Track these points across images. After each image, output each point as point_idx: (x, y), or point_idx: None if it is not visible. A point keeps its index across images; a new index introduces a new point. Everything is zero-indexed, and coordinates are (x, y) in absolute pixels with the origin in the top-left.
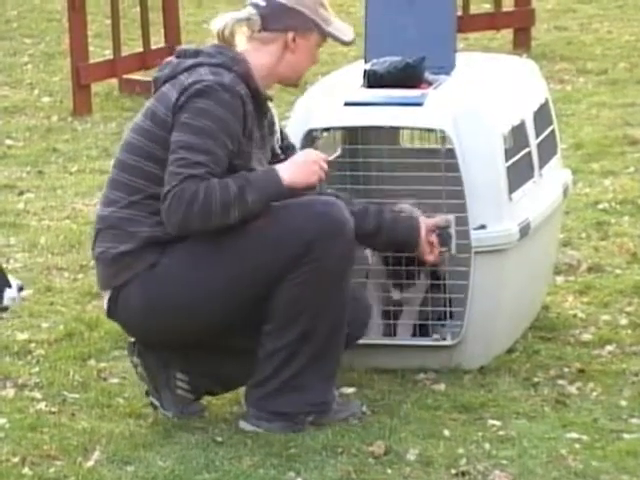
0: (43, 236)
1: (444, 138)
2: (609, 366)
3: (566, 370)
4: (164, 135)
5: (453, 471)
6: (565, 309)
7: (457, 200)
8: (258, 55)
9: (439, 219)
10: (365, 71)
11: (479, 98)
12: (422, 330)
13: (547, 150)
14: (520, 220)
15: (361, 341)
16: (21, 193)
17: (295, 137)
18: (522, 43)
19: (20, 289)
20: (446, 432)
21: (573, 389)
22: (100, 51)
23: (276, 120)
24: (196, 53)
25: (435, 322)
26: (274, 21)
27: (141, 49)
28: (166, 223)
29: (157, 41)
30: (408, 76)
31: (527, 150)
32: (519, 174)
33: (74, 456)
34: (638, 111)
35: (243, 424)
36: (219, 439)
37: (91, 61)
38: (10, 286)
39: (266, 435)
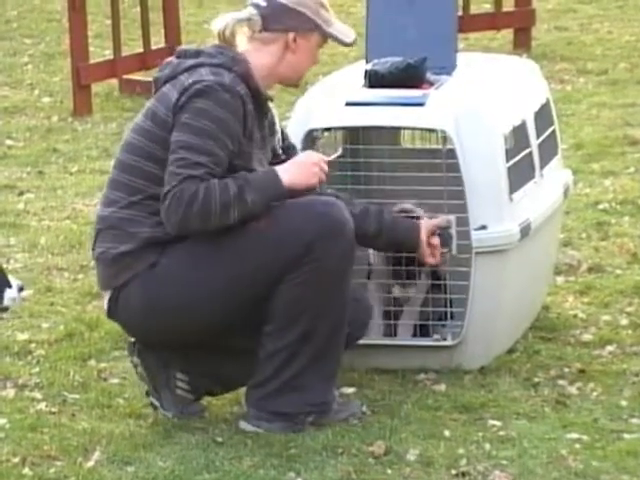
0: (43, 236)
1: (445, 138)
2: (609, 366)
3: (566, 370)
4: (164, 135)
5: (453, 471)
6: (565, 309)
7: (458, 200)
8: (259, 55)
9: (440, 220)
10: (366, 71)
11: (480, 98)
12: (423, 330)
13: (548, 150)
14: (521, 220)
15: (362, 341)
16: (21, 193)
17: (296, 137)
18: (522, 43)
19: (20, 289)
20: (446, 432)
21: (573, 389)
22: (100, 51)
23: (277, 120)
24: (197, 53)
25: (436, 322)
26: (275, 21)
27: (141, 49)
28: (165, 223)
29: (157, 41)
30: (409, 76)
31: (528, 150)
32: (520, 174)
33: (74, 456)
34: (638, 111)
35: (243, 424)
36: (219, 439)
37: (91, 61)
38: (10, 286)
39: (266, 435)
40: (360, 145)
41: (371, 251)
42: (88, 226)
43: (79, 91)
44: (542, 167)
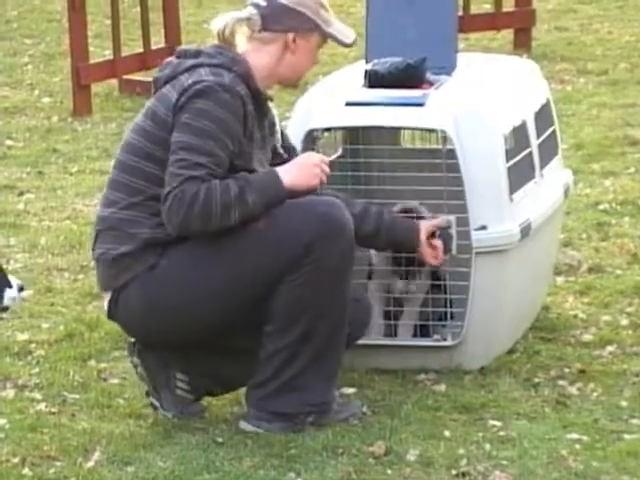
0: (43, 237)
1: (445, 138)
2: (610, 367)
3: (567, 371)
4: (164, 136)
5: (453, 472)
6: (566, 310)
7: (458, 201)
8: (258, 55)
9: (439, 220)
10: (366, 71)
11: (480, 98)
12: (423, 330)
13: (548, 150)
14: (521, 221)
15: (362, 341)
16: (21, 194)
17: (296, 137)
18: (523, 43)
19: (20, 289)
20: (446, 433)
21: (574, 390)
22: (100, 51)
23: (277, 120)
24: (196, 54)
25: (436, 323)
26: (274, 21)
27: (141, 49)
28: (166, 224)
29: (157, 41)
30: (409, 76)
31: (528, 150)
32: (520, 174)
33: (74, 457)
34: (638, 112)
35: (243, 424)
36: (219, 440)
37: (91, 61)
38: (10, 286)
39: (266, 435)
40: (360, 145)
41: (372, 251)
42: (88, 226)
43: (79, 91)
44: (542, 167)
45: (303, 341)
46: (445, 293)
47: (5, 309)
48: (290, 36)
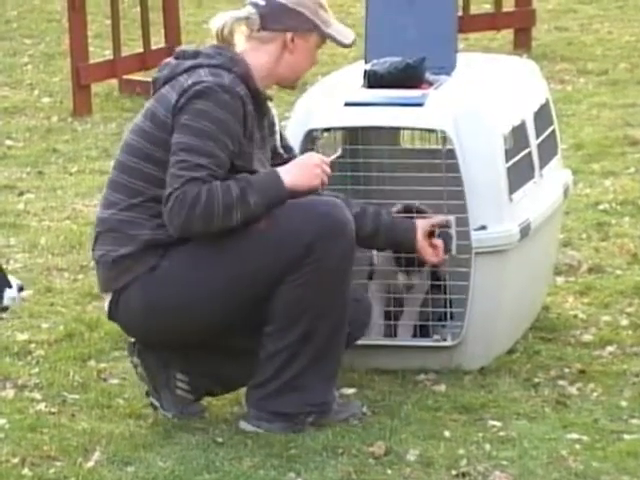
0: (43, 237)
1: (445, 138)
2: (610, 367)
3: (567, 371)
4: (164, 137)
5: (453, 472)
6: (565, 310)
7: (457, 201)
8: (257, 55)
9: (437, 219)
10: (365, 71)
11: (480, 98)
12: (422, 331)
13: (547, 150)
14: (520, 221)
15: (362, 342)
16: (21, 194)
17: (295, 137)
18: (523, 43)
19: (20, 289)
20: (446, 433)
21: (574, 390)
22: (100, 51)
23: (276, 120)
24: (195, 54)
25: (435, 323)
26: (273, 21)
27: (141, 49)
28: (168, 225)
29: (157, 41)
30: (408, 76)
31: (527, 150)
32: (519, 174)
33: (74, 457)
34: (638, 112)
35: (243, 424)
36: (219, 440)
37: (91, 61)
38: (10, 286)
39: (266, 436)
40: (359, 145)
41: (374, 251)
42: (88, 226)
43: (79, 91)
44: (542, 167)
45: (304, 341)
46: (445, 293)
47: (5, 309)
48: (289, 36)
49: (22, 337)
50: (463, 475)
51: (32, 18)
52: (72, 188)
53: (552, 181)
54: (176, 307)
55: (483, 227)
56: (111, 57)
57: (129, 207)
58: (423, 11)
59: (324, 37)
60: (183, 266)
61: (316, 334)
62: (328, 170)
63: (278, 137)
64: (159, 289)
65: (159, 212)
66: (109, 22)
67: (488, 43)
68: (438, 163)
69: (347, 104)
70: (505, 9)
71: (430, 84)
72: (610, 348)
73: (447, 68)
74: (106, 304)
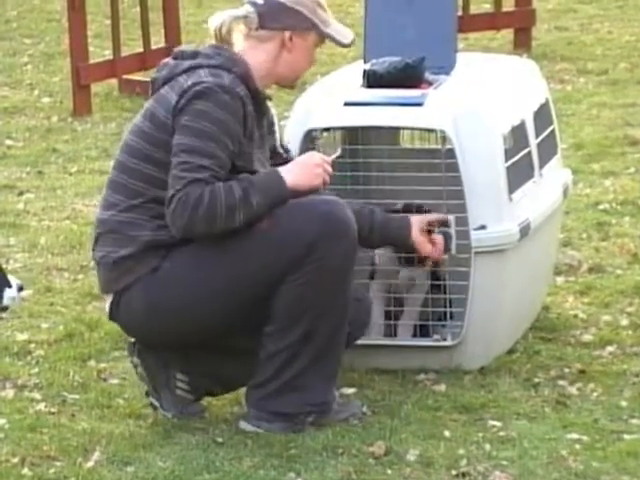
0: (43, 236)
1: (444, 138)
2: (610, 367)
3: (567, 371)
4: (164, 137)
5: (453, 472)
6: (566, 309)
7: (457, 200)
8: (255, 53)
9: (433, 216)
10: (365, 71)
11: (479, 98)
12: (422, 330)
13: (547, 150)
14: (520, 220)
15: (362, 341)
16: (21, 193)
17: (295, 137)
18: (522, 43)
19: (20, 289)
20: (446, 433)
21: (574, 390)
22: (100, 51)
23: (275, 120)
24: (194, 54)
25: (435, 322)
26: (271, 19)
27: (141, 49)
28: (171, 227)
29: (157, 41)
30: (408, 76)
31: (527, 150)
32: (519, 174)
33: (74, 457)
34: (639, 111)
35: (243, 424)
36: (219, 440)
37: (91, 61)
38: (10, 286)
39: (266, 436)
40: (359, 145)
41: (376, 251)
42: (88, 226)
43: (79, 91)
44: (541, 167)
45: (304, 341)
46: (445, 293)
47: (4, 309)
48: (287, 34)
49: (22, 337)
50: (463, 475)
51: (32, 18)
52: (72, 188)
53: (552, 181)
54: (178, 308)
55: (483, 227)
56: (111, 57)
57: (129, 208)
58: (422, 11)
59: (322, 36)
60: (185, 267)
61: (317, 334)
62: (329, 169)
63: (277, 137)
64: (161, 290)
65: (159, 213)
66: (109, 22)
67: (488, 43)
68: (438, 163)
69: (346, 104)
70: (505, 9)
71: (429, 84)
72: (610, 348)
73: (446, 68)
74: (107, 305)
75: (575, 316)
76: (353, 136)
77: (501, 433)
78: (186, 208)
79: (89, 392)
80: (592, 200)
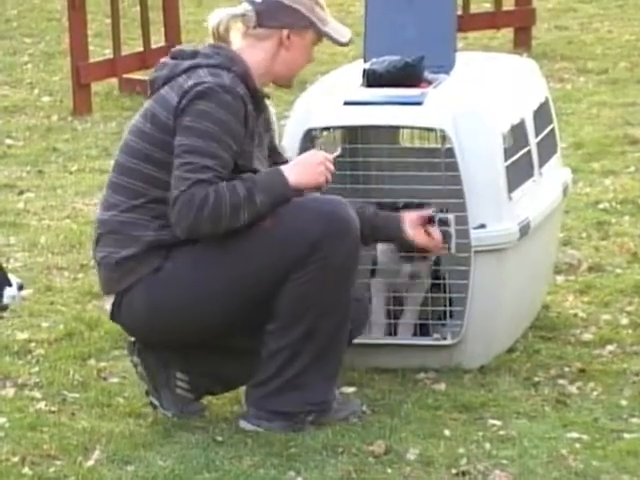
0: (43, 235)
1: (444, 137)
2: (610, 366)
3: (567, 370)
4: (165, 138)
5: (453, 471)
6: (565, 308)
7: (457, 199)
8: (253, 52)
9: (427, 211)
10: (364, 70)
11: (479, 97)
12: (422, 329)
13: (547, 149)
14: (520, 219)
15: (362, 340)
16: (21, 192)
17: (295, 136)
18: (522, 42)
19: (20, 288)
20: (446, 432)
21: (574, 389)
22: (100, 50)
23: (274, 118)
24: (193, 54)
25: (435, 321)
26: (269, 17)
27: (141, 48)
28: (175, 227)
29: (157, 40)
30: (407, 75)
31: (527, 149)
32: (519, 173)
33: (74, 455)
34: (638, 110)
35: (243, 423)
36: (219, 438)
37: (91, 60)
38: (10, 285)
39: (266, 434)
40: (359, 144)
41: (378, 250)
42: (88, 225)
43: (79, 90)
44: (541, 166)
45: (306, 339)
46: (445, 292)
47: (5, 308)
48: (285, 32)
49: (22, 336)
50: (463, 474)
51: (32, 17)
52: (72, 187)
53: (551, 180)
54: (180, 308)
55: (482, 226)
56: (111, 56)
57: (131, 208)
58: (422, 10)
59: (320, 35)
60: (187, 267)
61: (319, 332)
62: (332, 167)
63: (275, 135)
64: (163, 290)
65: (161, 213)
66: (109, 21)
67: (488, 42)
68: (437, 162)
69: (346, 103)
70: (505, 8)
71: (429, 83)
72: (610, 347)
73: (446, 67)
74: (108, 306)
75: (575, 315)
76: (353, 135)
77: (501, 432)
78: (191, 209)
79: (89, 391)
80: (592, 199)
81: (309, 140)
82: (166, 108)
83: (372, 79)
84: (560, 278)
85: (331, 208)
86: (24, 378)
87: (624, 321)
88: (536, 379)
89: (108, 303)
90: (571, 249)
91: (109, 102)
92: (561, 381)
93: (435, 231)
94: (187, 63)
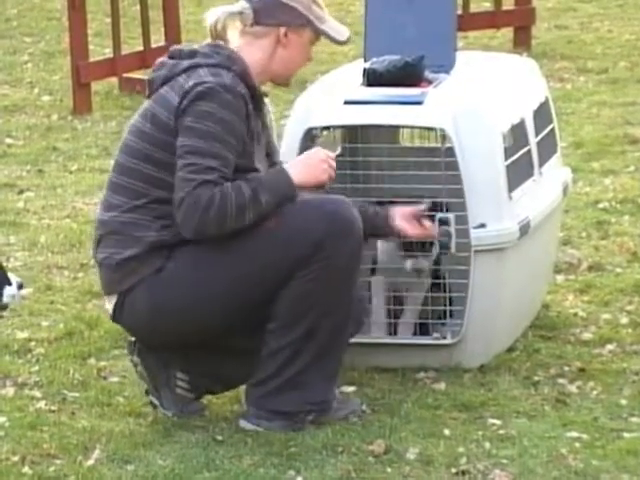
0: (43, 235)
1: (444, 137)
2: (609, 365)
3: (566, 369)
4: (165, 138)
5: (453, 470)
6: (565, 308)
7: (457, 199)
8: (251, 50)
9: (420, 206)
10: (365, 70)
11: (479, 97)
12: (422, 329)
13: (547, 149)
14: (520, 219)
15: (362, 340)
16: (21, 192)
17: (295, 136)
18: (522, 42)
19: (20, 287)
20: (446, 431)
21: (573, 388)
22: (100, 50)
23: (272, 116)
24: (192, 53)
25: (435, 321)
26: (266, 15)
27: (141, 48)
28: (181, 228)
29: (157, 39)
30: (408, 75)
31: (527, 149)
32: (519, 173)
33: (74, 455)
34: (638, 110)
35: (243, 423)
36: (219, 438)
37: (91, 60)
38: (10, 283)
39: (266, 434)
40: (359, 144)
41: (379, 249)
42: (88, 225)
43: (79, 89)
44: (541, 165)
45: (307, 338)
46: (445, 291)
47: (5, 307)
48: (282, 30)
49: (22, 335)
50: (463, 473)
51: (32, 16)
52: (72, 186)
53: (551, 179)
54: (182, 308)
55: (482, 225)
56: (111, 55)
57: (132, 209)
58: (422, 9)
59: (317, 33)
60: (189, 267)
61: (320, 331)
62: (334, 165)
63: (273, 133)
64: (165, 291)
65: (162, 213)
66: (109, 20)
67: (488, 41)
68: (437, 161)
69: (346, 102)
70: (505, 7)
71: (429, 82)
72: (610, 346)
73: (446, 66)
74: (110, 306)
75: (575, 314)
76: (353, 134)
77: (501, 431)
78: (197, 210)
79: (89, 390)
80: (592, 199)
81: (309, 139)
82: (167, 108)
83: (372, 78)
84: (560, 277)
85: (334, 208)
86: (24, 377)
87: (624, 320)
88: (536, 378)
89: (109, 304)
90: (571, 248)
91: (109, 101)
92: (561, 380)
93: (428, 222)
94: (186, 63)
